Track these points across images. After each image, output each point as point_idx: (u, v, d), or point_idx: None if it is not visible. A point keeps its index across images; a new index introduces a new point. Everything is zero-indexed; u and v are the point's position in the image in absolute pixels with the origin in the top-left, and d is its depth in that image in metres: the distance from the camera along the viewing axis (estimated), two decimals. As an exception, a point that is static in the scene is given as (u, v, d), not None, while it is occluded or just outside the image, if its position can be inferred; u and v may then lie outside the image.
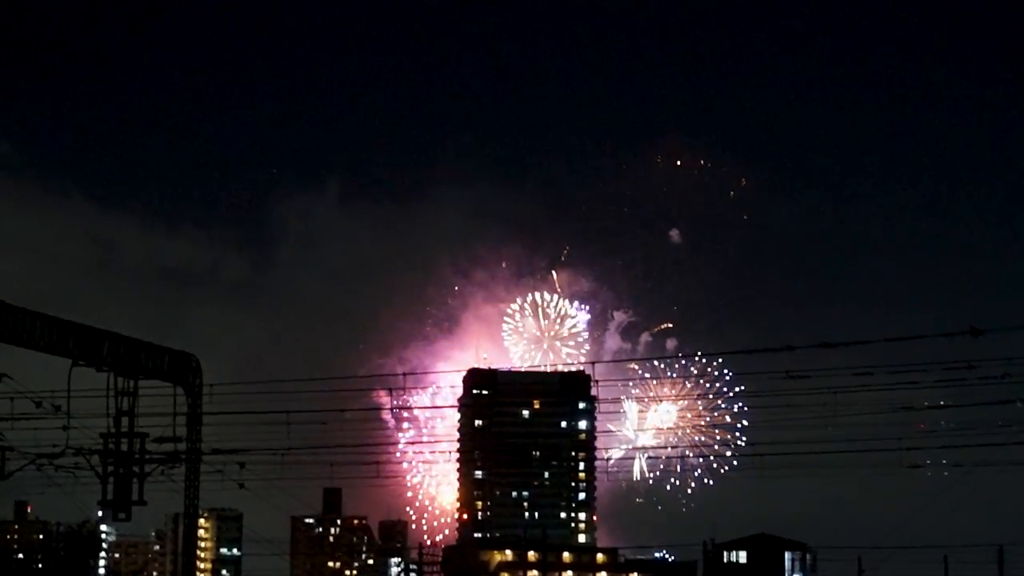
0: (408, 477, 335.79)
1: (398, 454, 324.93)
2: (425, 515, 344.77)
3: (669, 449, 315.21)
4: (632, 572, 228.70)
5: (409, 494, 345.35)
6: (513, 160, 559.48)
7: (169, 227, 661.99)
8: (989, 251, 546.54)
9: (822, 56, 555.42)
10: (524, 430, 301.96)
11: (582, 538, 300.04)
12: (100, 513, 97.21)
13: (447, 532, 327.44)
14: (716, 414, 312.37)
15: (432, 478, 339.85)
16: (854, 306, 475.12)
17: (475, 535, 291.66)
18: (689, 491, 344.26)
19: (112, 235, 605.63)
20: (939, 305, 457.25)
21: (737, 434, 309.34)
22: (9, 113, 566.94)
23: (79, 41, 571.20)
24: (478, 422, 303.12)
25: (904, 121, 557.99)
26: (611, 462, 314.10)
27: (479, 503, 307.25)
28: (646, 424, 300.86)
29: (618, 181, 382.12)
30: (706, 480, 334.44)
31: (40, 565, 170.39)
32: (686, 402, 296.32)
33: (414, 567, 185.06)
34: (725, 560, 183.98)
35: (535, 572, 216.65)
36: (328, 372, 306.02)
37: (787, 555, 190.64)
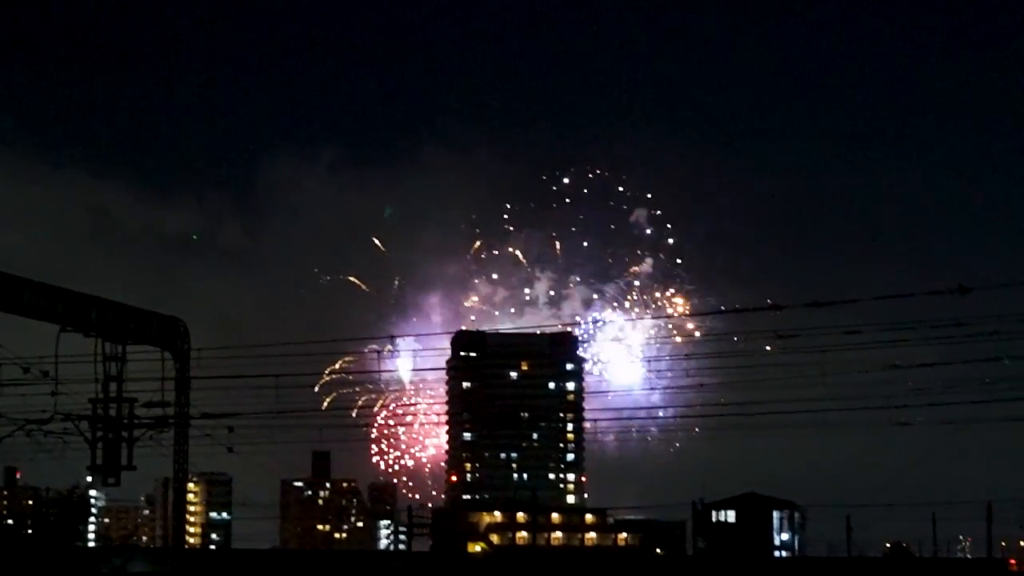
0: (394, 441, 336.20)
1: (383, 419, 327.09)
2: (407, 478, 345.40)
3: (659, 411, 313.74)
4: (621, 532, 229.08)
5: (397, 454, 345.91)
6: (505, 127, 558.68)
7: (163, 194, 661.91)
8: (978, 209, 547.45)
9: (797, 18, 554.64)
10: (512, 391, 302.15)
11: (571, 499, 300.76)
12: (90, 478, 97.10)
13: (434, 491, 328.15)
14: (704, 373, 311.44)
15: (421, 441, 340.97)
16: (843, 265, 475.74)
17: (464, 497, 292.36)
18: (675, 450, 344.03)
19: (107, 203, 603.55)
20: (927, 263, 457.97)
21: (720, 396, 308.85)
22: (6, 87, 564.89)
23: (71, 13, 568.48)
24: (466, 384, 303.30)
25: (892, 76, 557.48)
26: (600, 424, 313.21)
27: (468, 465, 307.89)
28: (631, 384, 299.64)
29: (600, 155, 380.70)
30: (694, 432, 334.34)
31: (30, 531, 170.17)
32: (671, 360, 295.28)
33: (404, 529, 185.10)
34: (714, 519, 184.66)
35: (524, 533, 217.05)
36: (317, 337, 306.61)
37: (775, 514, 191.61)
